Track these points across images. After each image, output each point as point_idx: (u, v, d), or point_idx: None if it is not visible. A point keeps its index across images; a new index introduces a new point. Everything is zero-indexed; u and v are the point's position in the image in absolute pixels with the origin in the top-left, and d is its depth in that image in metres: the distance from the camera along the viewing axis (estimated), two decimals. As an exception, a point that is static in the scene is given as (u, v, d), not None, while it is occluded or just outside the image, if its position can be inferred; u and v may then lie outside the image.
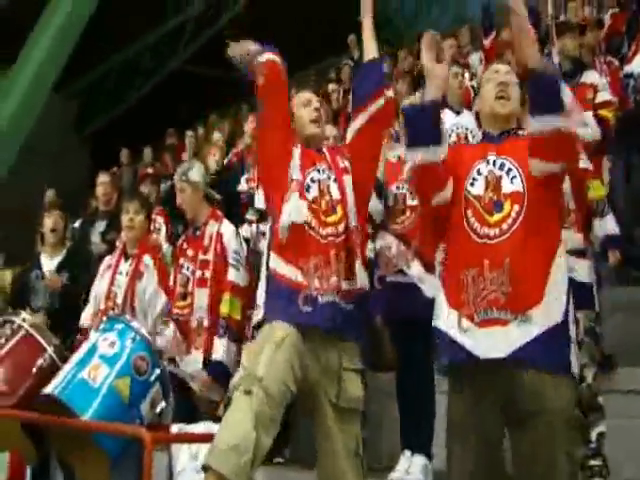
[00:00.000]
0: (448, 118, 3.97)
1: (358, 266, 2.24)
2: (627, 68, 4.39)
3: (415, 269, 3.16)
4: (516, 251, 2.00)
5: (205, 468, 1.93)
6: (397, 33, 11.61)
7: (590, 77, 4.06)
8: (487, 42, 5.88)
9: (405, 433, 3.28)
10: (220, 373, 3.05)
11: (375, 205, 3.10)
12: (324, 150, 2.42)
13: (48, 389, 2.61)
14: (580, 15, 5.76)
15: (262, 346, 2.08)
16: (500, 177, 2.10)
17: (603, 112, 4.01)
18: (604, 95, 3.99)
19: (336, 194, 2.30)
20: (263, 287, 2.50)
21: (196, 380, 3.07)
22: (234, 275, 3.16)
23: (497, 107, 2.16)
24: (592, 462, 2.95)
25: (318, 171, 2.32)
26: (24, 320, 3.05)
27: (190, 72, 11.43)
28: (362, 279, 2.25)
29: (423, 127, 2.09)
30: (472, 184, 2.11)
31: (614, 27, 5.84)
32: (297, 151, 2.32)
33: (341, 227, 2.26)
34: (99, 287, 3.52)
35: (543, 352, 1.94)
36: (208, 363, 3.09)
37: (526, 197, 2.05)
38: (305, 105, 2.41)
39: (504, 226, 2.03)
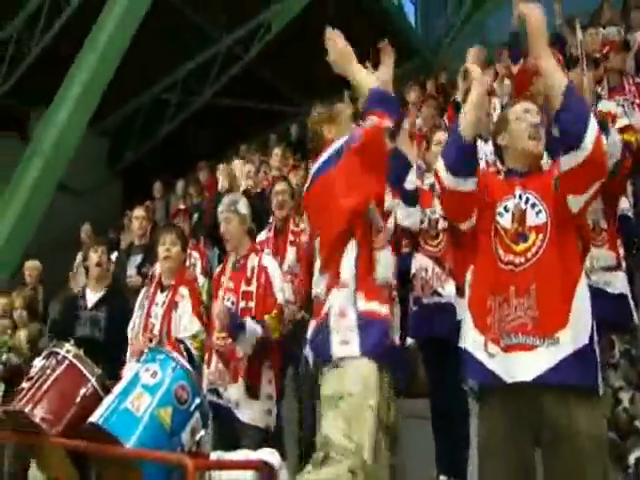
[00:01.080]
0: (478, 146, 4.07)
1: None
2: None
3: (449, 290, 3.21)
4: (541, 277, 2.07)
5: None
6: (424, 62, 11.74)
7: (606, 106, 4.13)
8: (515, 68, 5.94)
9: (440, 457, 3.28)
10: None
11: (404, 212, 3.18)
12: None
13: (93, 418, 2.67)
14: (597, 42, 5.77)
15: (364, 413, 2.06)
16: (525, 210, 2.18)
17: (626, 136, 4.04)
18: (623, 121, 4.04)
19: None
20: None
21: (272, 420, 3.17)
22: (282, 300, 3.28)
23: (531, 147, 2.25)
24: (632, 487, 2.92)
25: None
26: (68, 351, 3.14)
27: (219, 105, 11.67)
28: None
29: (460, 157, 2.16)
30: (501, 215, 2.19)
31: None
32: None
33: None
34: (136, 319, 3.59)
35: (571, 374, 1.97)
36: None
37: (549, 228, 2.13)
38: None
39: (529, 255, 2.12)
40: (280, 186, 4.22)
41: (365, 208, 2.23)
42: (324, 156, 2.36)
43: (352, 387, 2.05)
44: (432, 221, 3.39)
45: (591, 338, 2.03)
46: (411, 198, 3.17)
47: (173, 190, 8.57)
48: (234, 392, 3.17)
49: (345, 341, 2.11)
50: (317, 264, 2.32)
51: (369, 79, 2.38)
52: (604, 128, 3.43)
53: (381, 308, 2.17)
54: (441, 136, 3.81)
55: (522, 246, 2.14)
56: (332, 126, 2.43)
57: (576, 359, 1.98)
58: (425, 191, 3.42)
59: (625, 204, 3.80)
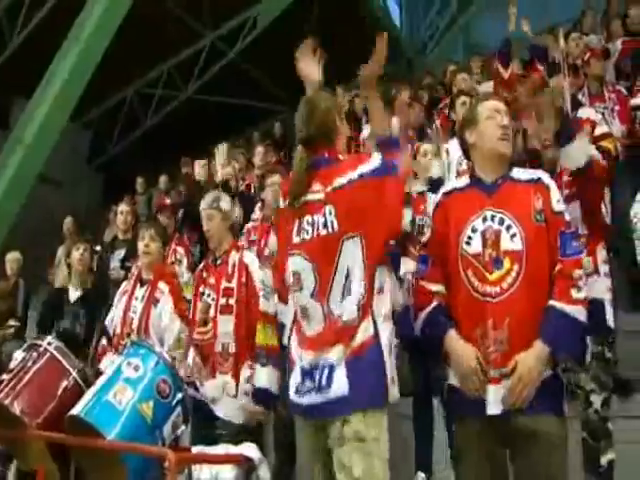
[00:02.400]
0: (455, 148, 4.17)
1: None
2: (634, 101, 4.50)
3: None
4: (516, 311, 2.06)
5: None
6: (409, 65, 11.83)
7: (586, 112, 4.20)
8: (506, 74, 6.02)
9: (419, 455, 3.36)
10: (266, 399, 3.06)
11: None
12: None
13: (75, 410, 2.68)
14: (579, 49, 5.88)
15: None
16: (499, 232, 2.13)
17: (604, 144, 4.12)
18: (603, 128, 4.11)
19: None
20: None
21: (241, 412, 3.13)
22: (264, 304, 3.22)
23: (501, 148, 2.22)
24: (604, 488, 2.99)
25: None
26: (49, 344, 3.15)
27: (203, 100, 11.63)
28: None
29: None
30: (468, 243, 2.15)
31: (625, 53, 5.95)
32: None
33: None
34: (115, 312, 3.60)
35: (539, 403, 2.05)
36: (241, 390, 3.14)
37: (525, 256, 2.09)
38: None
39: (504, 285, 2.08)
40: (275, 178, 4.27)
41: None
42: (369, 163, 2.15)
43: (381, 468, 2.03)
44: (418, 227, 3.55)
45: (555, 366, 2.11)
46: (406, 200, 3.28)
47: (155, 185, 8.54)
48: (212, 388, 3.19)
49: (393, 381, 2.07)
50: (342, 273, 2.09)
51: (385, 118, 2.34)
52: (570, 136, 3.55)
53: None
54: (427, 147, 3.93)
55: (497, 274, 2.09)
56: (341, 120, 2.29)
57: (543, 389, 2.06)
58: (413, 198, 3.55)
59: (602, 209, 3.88)
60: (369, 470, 1.99)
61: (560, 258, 2.10)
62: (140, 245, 3.60)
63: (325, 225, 2.12)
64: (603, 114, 4.76)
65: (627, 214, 4.60)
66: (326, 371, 2.04)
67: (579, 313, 2.07)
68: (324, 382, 2.04)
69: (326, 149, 2.22)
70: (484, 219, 2.16)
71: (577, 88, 5.04)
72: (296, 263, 2.19)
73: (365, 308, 2.05)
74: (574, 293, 2.06)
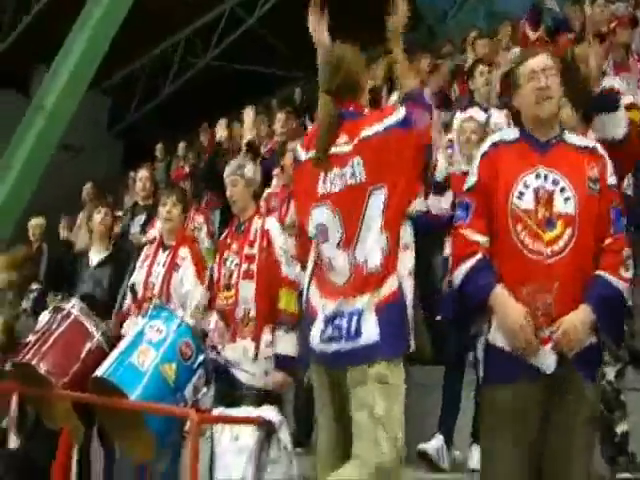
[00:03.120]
0: (478, 116, 4.13)
1: None
2: None
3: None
4: (565, 276, 2.01)
5: None
6: (430, 32, 11.62)
7: (610, 82, 4.11)
8: (535, 35, 5.90)
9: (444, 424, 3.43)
10: (289, 366, 3.18)
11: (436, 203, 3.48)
12: None
13: (99, 372, 2.75)
14: (605, 16, 5.75)
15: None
16: (552, 192, 2.06)
17: (630, 114, 4.04)
18: (628, 98, 4.03)
19: None
20: None
21: (272, 382, 3.19)
22: (286, 270, 3.26)
23: (539, 111, 2.14)
24: (619, 458, 3.01)
25: None
26: (73, 307, 3.21)
27: (221, 68, 11.57)
28: None
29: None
30: (519, 197, 2.07)
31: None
32: None
33: None
34: (137, 277, 3.65)
35: (580, 369, 2.04)
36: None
37: (578, 221, 2.04)
38: None
39: (556, 247, 2.02)
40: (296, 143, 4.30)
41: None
42: (394, 116, 2.16)
43: (400, 411, 2.06)
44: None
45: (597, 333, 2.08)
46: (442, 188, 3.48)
47: (174, 152, 8.55)
48: (233, 352, 3.24)
49: (415, 335, 2.10)
50: (374, 218, 2.11)
51: (411, 73, 2.37)
52: (615, 102, 3.50)
53: None
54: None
55: (549, 234, 2.03)
56: (365, 74, 2.32)
57: (584, 354, 2.05)
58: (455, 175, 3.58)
59: (624, 182, 3.84)
60: (389, 412, 2.02)
61: (612, 233, 2.07)
62: (162, 211, 3.63)
63: (353, 175, 2.14)
64: (628, 84, 4.68)
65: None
66: (355, 318, 2.07)
67: (625, 291, 2.06)
68: (353, 328, 2.06)
69: (351, 102, 2.24)
70: (537, 176, 2.09)
71: (603, 57, 4.94)
72: (322, 214, 2.21)
73: (391, 262, 2.09)
74: (622, 271, 2.05)
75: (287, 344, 3.15)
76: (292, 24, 11.75)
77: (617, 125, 3.18)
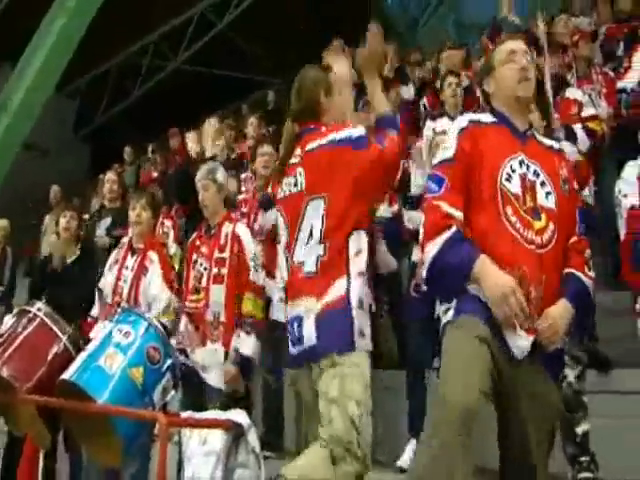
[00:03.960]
0: (446, 125, 4.23)
1: None
2: (620, 84, 4.56)
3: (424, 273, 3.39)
4: (551, 270, 1.99)
5: None
6: (400, 42, 11.73)
7: (573, 93, 4.25)
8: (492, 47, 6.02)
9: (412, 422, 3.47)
10: (247, 368, 3.25)
11: (411, 218, 3.59)
12: None
13: (65, 375, 2.71)
14: (567, 29, 5.93)
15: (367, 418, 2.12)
16: (534, 183, 2.02)
17: (591, 125, 4.19)
18: (589, 110, 4.17)
19: None
20: None
21: (224, 373, 3.22)
22: (253, 276, 3.33)
23: (521, 91, 2.09)
24: (580, 458, 3.08)
25: None
26: (39, 310, 3.17)
27: (191, 71, 11.53)
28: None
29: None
30: (508, 180, 2.00)
31: (610, 34, 6.01)
32: None
33: None
34: (106, 281, 3.64)
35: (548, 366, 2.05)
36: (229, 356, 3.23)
37: (557, 217, 2.03)
38: None
39: (544, 238, 1.99)
40: (266, 148, 4.35)
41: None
42: (342, 132, 2.25)
43: (359, 391, 2.09)
44: None
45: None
46: (416, 202, 3.48)
47: (142, 155, 8.49)
48: (202, 355, 3.25)
49: (362, 334, 2.13)
50: (313, 227, 2.22)
51: (384, 99, 2.41)
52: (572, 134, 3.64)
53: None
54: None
55: (538, 225, 1.99)
56: (329, 96, 2.38)
57: (552, 353, 2.06)
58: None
59: (586, 191, 3.97)
60: (343, 390, 2.07)
61: (577, 233, 2.10)
62: (131, 214, 3.62)
63: (296, 184, 2.29)
64: (590, 95, 4.82)
65: (611, 194, 4.71)
66: (296, 324, 2.19)
67: (591, 289, 2.08)
68: (295, 335, 2.19)
69: (312, 122, 2.35)
70: (521, 163, 2.03)
71: (565, 68, 5.08)
72: (276, 218, 2.46)
73: (333, 269, 2.16)
74: (587, 270, 2.07)
75: (245, 345, 3.21)
76: (262, 28, 11.84)
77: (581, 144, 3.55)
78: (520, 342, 1.95)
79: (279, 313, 3.96)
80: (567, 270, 2.05)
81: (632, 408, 3.32)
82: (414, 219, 3.58)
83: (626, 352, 3.60)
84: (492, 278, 1.90)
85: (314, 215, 2.22)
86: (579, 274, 2.05)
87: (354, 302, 2.13)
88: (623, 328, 3.87)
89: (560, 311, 1.98)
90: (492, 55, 2.20)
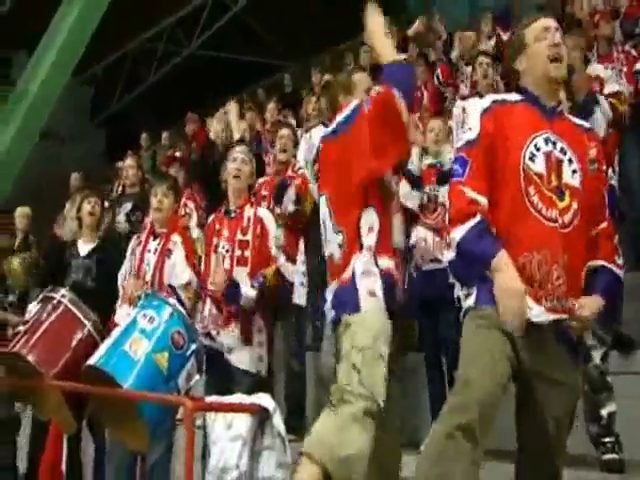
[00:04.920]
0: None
1: None
2: (637, 65, 4.49)
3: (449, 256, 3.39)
4: (575, 250, 1.97)
5: None
6: (411, 21, 11.60)
7: (596, 70, 4.18)
8: (505, 36, 5.95)
9: (433, 406, 3.51)
10: (230, 299, 3.22)
11: (408, 193, 3.64)
12: None
13: (91, 360, 2.73)
14: (586, 8, 5.84)
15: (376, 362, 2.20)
16: (561, 162, 1.98)
17: (614, 101, 4.12)
18: (613, 86, 4.11)
19: None
20: None
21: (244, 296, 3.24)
22: (276, 254, 3.36)
23: (552, 71, 2.03)
24: (605, 439, 3.07)
25: None
26: (63, 296, 3.19)
27: (206, 56, 11.49)
28: None
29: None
30: (532, 159, 1.96)
31: (629, 13, 5.92)
32: None
33: None
34: (129, 264, 3.64)
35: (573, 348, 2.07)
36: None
37: (581, 196, 1.99)
38: None
39: (566, 218, 1.96)
40: (284, 130, 4.37)
41: (385, 172, 2.33)
42: (341, 116, 2.39)
43: (364, 340, 2.17)
44: (432, 197, 3.79)
45: None
46: (417, 183, 3.65)
47: (158, 141, 8.49)
48: (227, 337, 3.25)
49: (373, 294, 2.23)
50: (328, 221, 2.40)
51: (388, 52, 2.38)
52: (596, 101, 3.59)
53: (395, 270, 2.32)
54: (435, 124, 3.94)
55: (562, 204, 1.96)
56: (349, 97, 2.46)
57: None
58: (424, 171, 3.80)
59: (609, 172, 3.90)
60: (351, 344, 2.19)
61: (607, 217, 2.07)
62: (153, 201, 3.61)
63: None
64: (612, 73, 4.74)
65: (633, 175, 4.64)
66: (324, 305, 2.41)
67: (622, 277, 2.08)
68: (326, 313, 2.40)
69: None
70: (546, 141, 1.99)
71: (587, 47, 5.00)
72: None
73: (353, 245, 2.30)
74: (617, 259, 2.05)
75: (246, 291, 3.22)
76: (276, 12, 11.75)
77: (596, 126, 3.35)
78: (540, 318, 1.94)
79: (301, 298, 4.01)
80: (598, 262, 2.03)
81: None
82: (412, 198, 3.66)
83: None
84: (504, 280, 1.90)
85: (325, 212, 2.42)
86: (610, 266, 2.03)
87: (358, 271, 2.26)
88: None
89: (593, 305, 1.99)
90: (523, 32, 2.12)
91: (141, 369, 2.66)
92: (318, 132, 4.98)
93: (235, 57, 11.43)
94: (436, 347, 3.69)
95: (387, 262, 2.30)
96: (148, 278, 3.46)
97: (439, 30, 7.02)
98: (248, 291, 3.21)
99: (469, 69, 5.32)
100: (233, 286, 3.20)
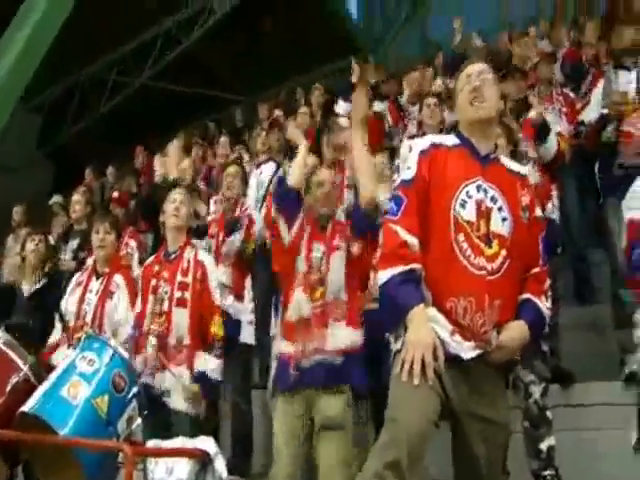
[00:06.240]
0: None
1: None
2: (580, 117, 4.71)
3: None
4: (502, 297, 2.00)
5: None
6: (366, 59, 11.84)
7: (538, 113, 4.35)
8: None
9: None
10: (210, 390, 3.21)
11: None
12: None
13: (26, 407, 2.65)
14: (532, 51, 6.11)
15: None
16: (491, 210, 2.02)
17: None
18: (555, 127, 4.29)
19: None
20: None
21: (185, 391, 3.16)
22: (218, 300, 3.35)
23: (471, 112, 2.09)
24: (545, 472, 3.13)
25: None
26: (-2, 338, 3.09)
27: (157, 88, 11.44)
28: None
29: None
30: (462, 206, 2.01)
31: (569, 55, 6.21)
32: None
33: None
34: (69, 305, 3.57)
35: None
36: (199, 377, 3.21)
37: (510, 245, 2.02)
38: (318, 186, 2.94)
39: (494, 265, 1.99)
40: (231, 168, 4.41)
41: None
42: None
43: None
44: None
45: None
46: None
47: (104, 176, 8.35)
48: (165, 379, 3.20)
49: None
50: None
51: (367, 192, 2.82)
52: (546, 133, 3.80)
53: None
54: (377, 160, 4.02)
55: (490, 251, 1.99)
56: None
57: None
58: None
59: (549, 207, 4.05)
60: None
61: (541, 264, 2.11)
62: (95, 238, 3.58)
63: None
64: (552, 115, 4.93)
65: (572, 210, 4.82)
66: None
67: (547, 318, 2.11)
68: None
69: None
70: (478, 188, 2.04)
71: (528, 87, 5.20)
72: None
73: None
74: (544, 300, 2.09)
75: (212, 367, 3.20)
76: (229, 46, 11.80)
77: (549, 149, 3.81)
78: (468, 354, 1.98)
79: (249, 336, 3.99)
80: (525, 296, 2.08)
81: (594, 420, 3.38)
82: None
83: (587, 365, 3.68)
84: (415, 332, 1.93)
85: None
86: (536, 300, 2.07)
87: None
88: (584, 342, 3.96)
89: (514, 333, 2.02)
90: (455, 82, 2.21)
91: (80, 414, 2.60)
92: (268, 168, 5.05)
93: (186, 90, 11.42)
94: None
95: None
96: (88, 319, 3.40)
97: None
98: (218, 371, 3.23)
99: (416, 108, 5.45)
100: (205, 381, 3.19)
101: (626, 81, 4.05)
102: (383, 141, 5.66)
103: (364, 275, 3.03)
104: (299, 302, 2.78)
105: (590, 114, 4.41)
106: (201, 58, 11.36)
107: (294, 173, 3.04)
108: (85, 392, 2.63)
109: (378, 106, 5.87)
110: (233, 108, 9.56)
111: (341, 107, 5.15)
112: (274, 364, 3.02)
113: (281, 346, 2.84)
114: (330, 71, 10.77)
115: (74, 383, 2.64)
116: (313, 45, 10.86)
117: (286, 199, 2.97)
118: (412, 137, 4.77)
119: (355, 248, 2.82)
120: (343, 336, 2.77)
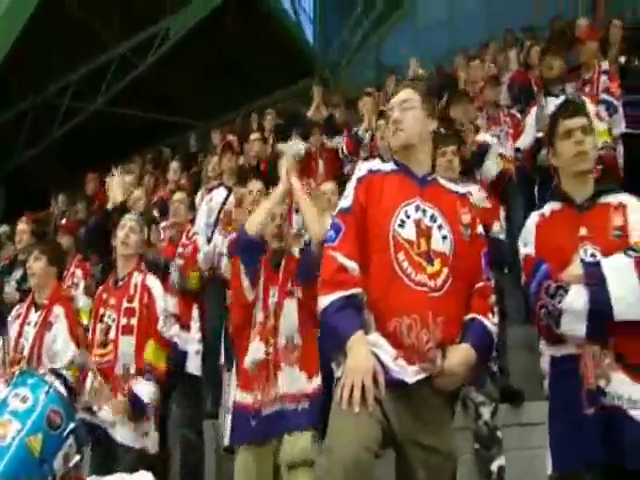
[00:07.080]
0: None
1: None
2: (516, 144, 4.83)
3: None
4: (447, 313, 1.99)
5: None
6: (321, 81, 11.95)
7: (482, 137, 4.46)
8: None
9: None
10: (140, 413, 3.10)
11: None
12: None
13: (-47, 449, 2.54)
14: (480, 75, 6.25)
15: None
16: (431, 228, 2.04)
17: (498, 161, 4.40)
18: (496, 148, 4.39)
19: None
20: None
21: (112, 405, 3.09)
22: (161, 327, 3.25)
23: (393, 142, 2.14)
24: (496, 493, 3.14)
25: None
26: None
27: (111, 114, 11.33)
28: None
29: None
30: (401, 226, 2.02)
31: (516, 78, 6.37)
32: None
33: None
34: (6, 338, 3.45)
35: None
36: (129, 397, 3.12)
37: (452, 263, 2.03)
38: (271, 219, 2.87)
39: (437, 282, 1.99)
40: (178, 194, 4.43)
41: None
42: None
43: None
44: None
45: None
46: None
47: (54, 203, 8.17)
48: (109, 412, 3.11)
49: None
50: None
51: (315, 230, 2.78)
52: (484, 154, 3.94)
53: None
54: (327, 187, 4.02)
55: (431, 269, 2.00)
56: None
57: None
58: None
59: (497, 227, 4.09)
60: None
61: (484, 279, 2.11)
62: (27, 267, 3.49)
63: None
64: (499, 137, 5.03)
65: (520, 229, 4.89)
66: None
67: (494, 334, 2.11)
68: None
69: None
70: (417, 208, 2.06)
71: (477, 112, 5.29)
72: None
73: None
74: (491, 316, 2.09)
75: (143, 391, 3.11)
76: (183, 72, 11.77)
77: (490, 169, 3.99)
78: (410, 378, 1.96)
79: (195, 367, 3.91)
80: (470, 315, 2.07)
81: (544, 439, 3.39)
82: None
83: (537, 384, 3.69)
84: (354, 359, 1.91)
85: None
86: (482, 318, 2.07)
87: None
88: (534, 361, 3.98)
89: (460, 359, 1.99)
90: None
91: (11, 455, 2.51)
92: (219, 194, 4.99)
93: (141, 115, 11.34)
94: None
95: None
96: (25, 352, 3.29)
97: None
98: (146, 393, 3.12)
99: (368, 135, 5.51)
100: (134, 401, 3.09)
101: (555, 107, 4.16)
102: (337, 171, 5.70)
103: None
104: (256, 350, 2.71)
105: (525, 139, 4.53)
106: (156, 83, 11.31)
107: (254, 221, 2.81)
108: (17, 431, 2.53)
109: (332, 142, 5.91)
110: (188, 133, 9.50)
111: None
112: (229, 415, 2.96)
113: (237, 396, 2.76)
114: (288, 94, 10.83)
115: (3, 422, 2.54)
116: (270, 74, 10.94)
117: (249, 252, 2.81)
118: (367, 159, 4.80)
119: (299, 294, 2.74)
120: (298, 381, 2.69)
